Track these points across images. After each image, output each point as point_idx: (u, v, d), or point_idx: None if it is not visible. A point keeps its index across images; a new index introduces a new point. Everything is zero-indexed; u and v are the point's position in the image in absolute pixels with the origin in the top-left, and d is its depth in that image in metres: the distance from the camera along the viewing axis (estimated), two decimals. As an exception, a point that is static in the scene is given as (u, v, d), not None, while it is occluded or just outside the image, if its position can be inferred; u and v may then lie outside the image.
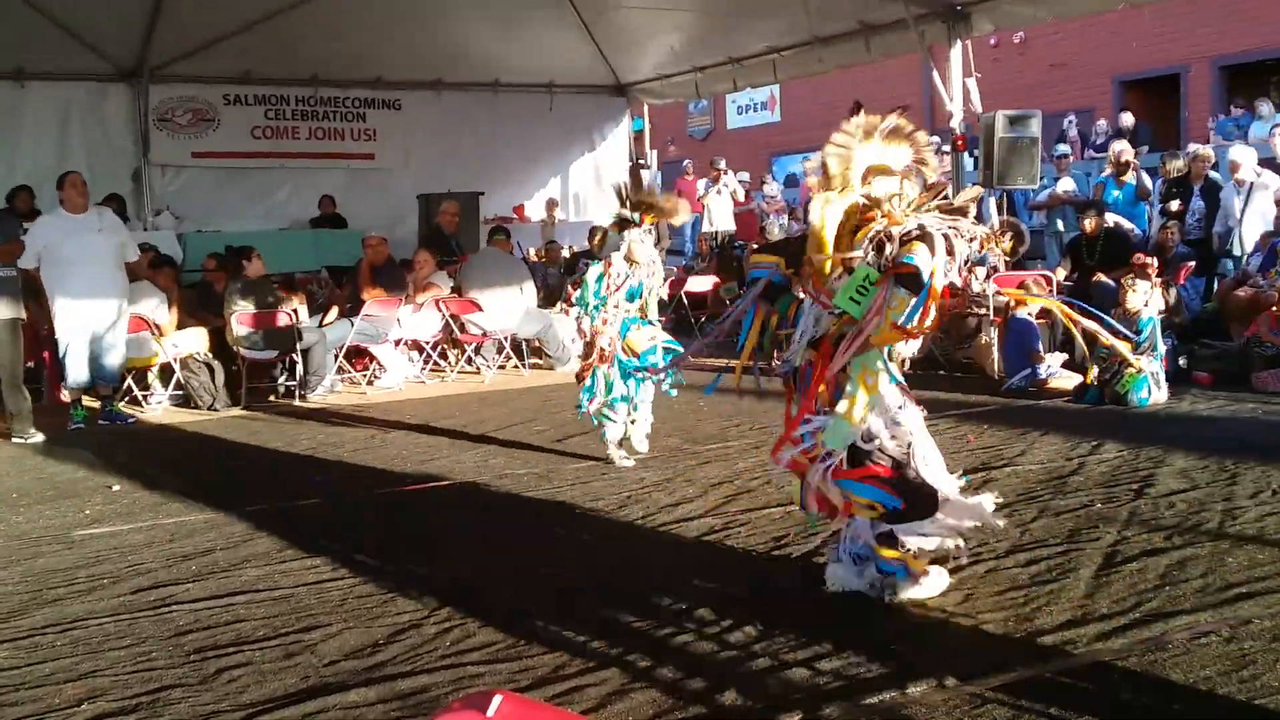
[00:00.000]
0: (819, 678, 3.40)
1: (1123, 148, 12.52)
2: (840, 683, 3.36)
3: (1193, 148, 12.04)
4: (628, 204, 6.38)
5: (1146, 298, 8.00)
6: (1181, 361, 8.75)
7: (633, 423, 6.63)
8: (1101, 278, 9.61)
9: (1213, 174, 11.20)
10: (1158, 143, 16.43)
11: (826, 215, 4.05)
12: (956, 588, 4.13)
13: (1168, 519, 4.95)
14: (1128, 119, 16.16)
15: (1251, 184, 10.56)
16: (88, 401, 8.79)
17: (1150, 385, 7.80)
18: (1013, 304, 8.91)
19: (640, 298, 6.48)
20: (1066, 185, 13.10)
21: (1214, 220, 10.86)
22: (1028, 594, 4.05)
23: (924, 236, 3.84)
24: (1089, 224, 10.11)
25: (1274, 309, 8.56)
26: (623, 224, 6.41)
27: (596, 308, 6.38)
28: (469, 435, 7.72)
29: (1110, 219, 10.87)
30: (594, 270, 6.46)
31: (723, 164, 18.80)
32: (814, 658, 3.53)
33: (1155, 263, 9.27)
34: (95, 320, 8.45)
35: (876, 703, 3.21)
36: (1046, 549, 4.57)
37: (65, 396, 8.87)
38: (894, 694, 3.26)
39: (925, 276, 3.79)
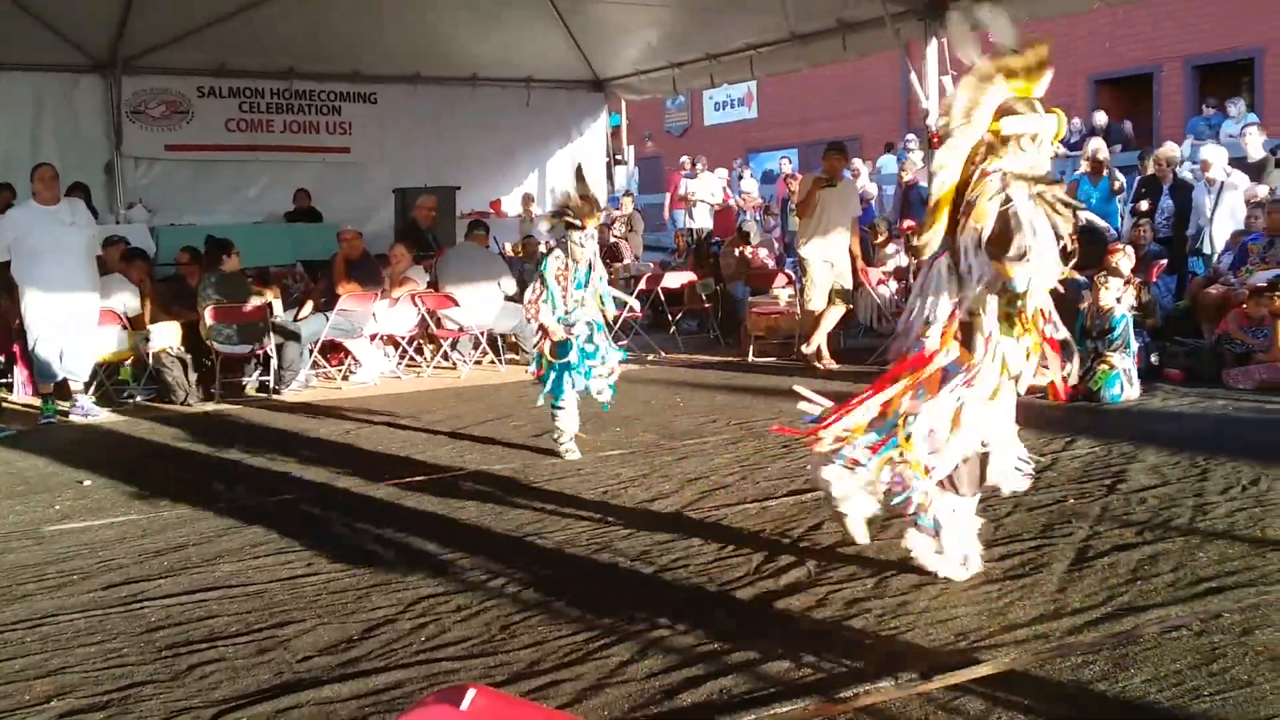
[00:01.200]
0: (794, 672, 3.41)
1: (1098, 146, 12.59)
2: (815, 677, 3.37)
3: (1161, 148, 12.12)
4: (571, 209, 6.50)
5: (1119, 295, 8.06)
6: (1153, 358, 8.83)
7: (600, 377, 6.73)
8: (1074, 275, 9.64)
9: (1183, 173, 11.27)
10: (1132, 141, 16.56)
11: (948, 160, 3.87)
12: (930, 582, 4.16)
13: (1139, 514, 4.99)
14: (1101, 118, 16.28)
15: (1222, 183, 10.64)
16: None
17: (1122, 382, 7.86)
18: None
19: (584, 289, 6.61)
20: None
21: (1185, 218, 10.93)
22: (1001, 588, 4.08)
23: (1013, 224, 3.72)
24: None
25: (1243, 306, 8.64)
26: (567, 225, 6.51)
27: (548, 299, 6.55)
28: (445, 431, 7.70)
29: (1084, 216, 10.93)
30: (548, 263, 6.61)
31: (702, 162, 18.83)
32: (789, 653, 3.55)
33: (1131, 251, 9.33)
34: (66, 314, 8.37)
35: (851, 696, 3.23)
36: (1020, 544, 4.61)
37: (32, 391, 8.79)
38: (869, 687, 3.27)
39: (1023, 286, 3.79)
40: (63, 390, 8.68)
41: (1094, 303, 8.04)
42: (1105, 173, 11.79)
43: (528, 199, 15.18)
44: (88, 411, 8.63)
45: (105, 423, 8.52)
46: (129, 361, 9.54)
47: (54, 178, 8.48)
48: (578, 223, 6.47)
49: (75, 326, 8.45)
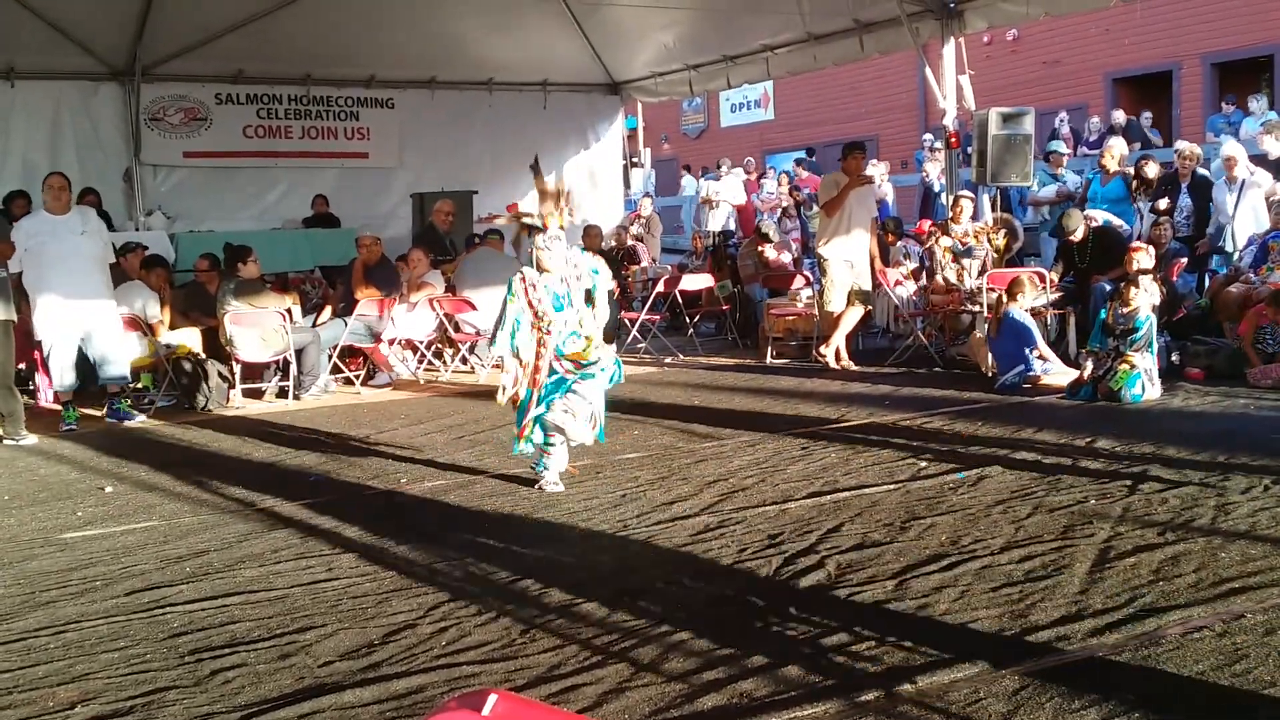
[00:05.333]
0: (813, 675, 3.40)
1: (1113, 143, 12.51)
2: (835, 680, 3.36)
3: (1179, 144, 12.02)
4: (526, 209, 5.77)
5: (1149, 297, 7.99)
6: (1174, 358, 8.77)
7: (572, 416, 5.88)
8: (1102, 283, 9.54)
9: (1202, 171, 11.19)
10: (1150, 140, 16.47)
11: None
12: (951, 584, 4.15)
13: (1161, 515, 4.96)
14: (1120, 116, 16.19)
15: (1244, 181, 10.56)
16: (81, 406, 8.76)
17: (1143, 381, 7.81)
18: (1005, 301, 8.93)
19: (568, 309, 5.79)
20: (1074, 182, 13.08)
21: (1203, 217, 10.85)
22: (1022, 590, 4.06)
23: None
24: (1076, 234, 10.03)
25: (1261, 306, 8.56)
26: (528, 229, 5.80)
27: (514, 333, 5.77)
28: (463, 434, 7.72)
29: (1100, 216, 10.86)
30: (513, 288, 5.78)
31: (726, 165, 18.83)
32: (808, 655, 3.54)
33: (1151, 249, 9.27)
34: (78, 323, 8.39)
35: (872, 700, 3.22)
36: (1041, 545, 4.59)
37: (46, 399, 8.83)
38: (890, 690, 3.26)
39: None
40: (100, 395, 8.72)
41: (1125, 303, 7.96)
42: (1120, 174, 11.70)
43: (544, 202, 15.16)
44: (123, 416, 8.66)
45: (125, 429, 8.55)
46: (149, 368, 9.60)
47: (63, 187, 8.48)
48: (537, 223, 5.71)
49: (102, 334, 8.48)
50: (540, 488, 5.94)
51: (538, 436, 5.92)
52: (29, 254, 8.28)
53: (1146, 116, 17.22)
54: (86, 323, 8.43)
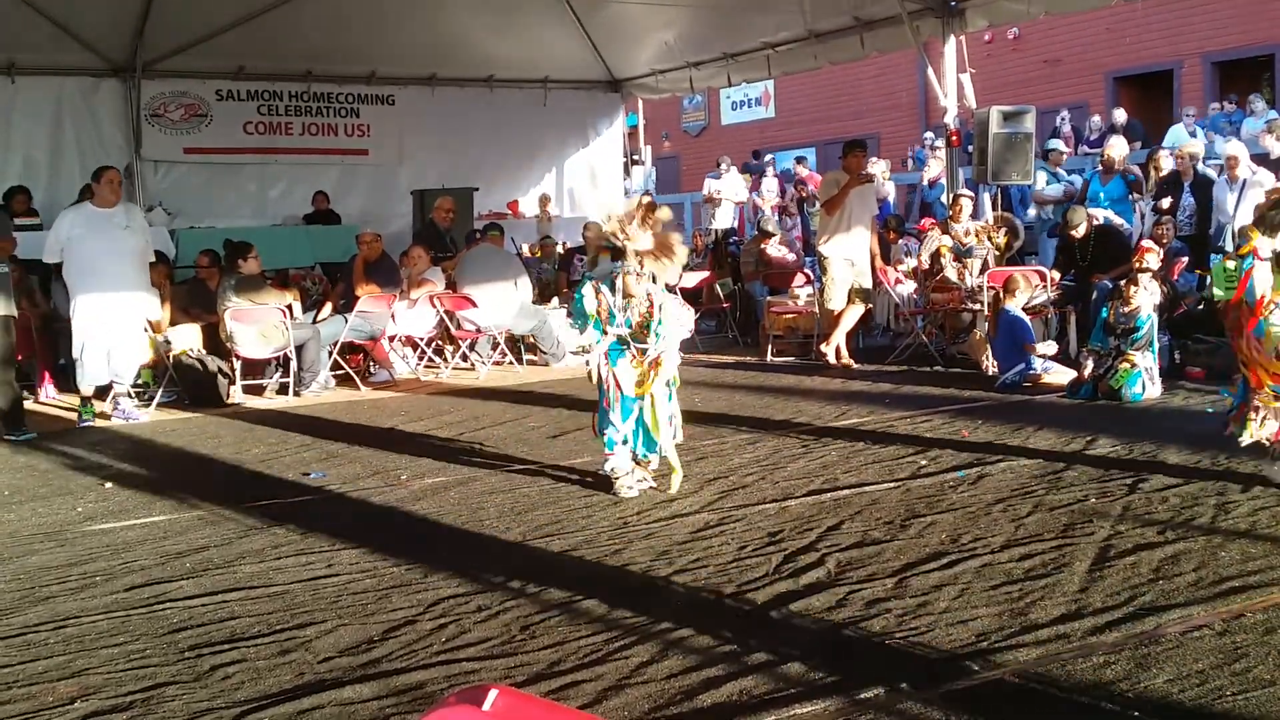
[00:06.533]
0: (813, 673, 3.40)
1: (1114, 142, 12.50)
2: (835, 678, 3.36)
3: (1186, 145, 12.01)
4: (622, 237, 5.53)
5: (1151, 296, 7.98)
6: (1175, 356, 8.77)
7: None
8: (1104, 281, 9.54)
9: (1204, 169, 11.18)
10: (1150, 139, 16.46)
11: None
12: (950, 583, 4.15)
13: (1161, 513, 4.96)
14: (1121, 115, 16.18)
15: (1245, 180, 10.55)
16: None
17: (1144, 380, 7.81)
18: (1002, 298, 8.93)
19: (631, 328, 5.71)
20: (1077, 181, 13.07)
21: (1206, 215, 10.85)
22: (1022, 588, 4.06)
23: None
24: (1079, 229, 10.02)
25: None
26: (614, 253, 5.63)
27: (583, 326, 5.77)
28: (463, 432, 7.72)
29: (1100, 215, 10.86)
30: (584, 291, 5.74)
31: (726, 161, 18.82)
32: (809, 653, 3.54)
33: (1159, 249, 9.27)
34: (115, 318, 8.38)
35: (872, 698, 3.21)
36: (1041, 543, 4.59)
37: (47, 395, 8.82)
38: (890, 688, 3.26)
39: None
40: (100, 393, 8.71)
41: (1126, 301, 7.95)
42: (1120, 172, 11.69)
43: (545, 199, 15.21)
44: (129, 415, 8.66)
45: (128, 425, 8.55)
46: (149, 364, 9.59)
47: (120, 182, 8.52)
48: (621, 245, 5.54)
49: (123, 330, 8.47)
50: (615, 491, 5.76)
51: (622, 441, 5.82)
52: (70, 245, 8.26)
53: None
54: (120, 321, 8.41)
